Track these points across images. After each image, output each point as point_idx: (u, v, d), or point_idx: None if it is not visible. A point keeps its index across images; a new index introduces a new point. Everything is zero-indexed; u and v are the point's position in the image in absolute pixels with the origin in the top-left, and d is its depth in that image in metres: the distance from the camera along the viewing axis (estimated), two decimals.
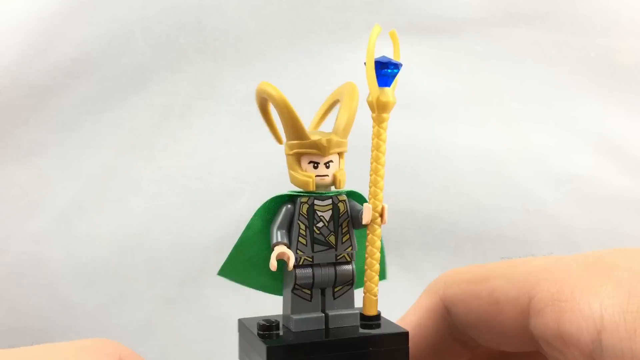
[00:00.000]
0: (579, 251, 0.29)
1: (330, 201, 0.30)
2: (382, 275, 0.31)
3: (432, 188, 0.58)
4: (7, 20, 0.56)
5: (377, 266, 0.29)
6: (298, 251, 0.30)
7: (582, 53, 0.58)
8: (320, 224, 0.30)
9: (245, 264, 0.31)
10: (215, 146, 0.58)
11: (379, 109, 0.28)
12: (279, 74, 0.58)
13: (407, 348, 0.29)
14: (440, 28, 0.58)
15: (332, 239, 0.30)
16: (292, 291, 0.30)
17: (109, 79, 0.58)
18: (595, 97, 0.59)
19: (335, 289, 0.30)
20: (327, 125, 0.32)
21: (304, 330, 0.29)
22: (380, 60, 0.28)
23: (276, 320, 0.29)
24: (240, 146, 0.58)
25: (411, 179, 0.58)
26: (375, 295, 0.29)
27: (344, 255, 0.30)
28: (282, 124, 0.30)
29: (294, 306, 0.30)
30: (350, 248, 0.30)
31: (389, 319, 0.31)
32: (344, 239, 0.30)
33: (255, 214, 0.30)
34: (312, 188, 0.29)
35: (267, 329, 0.28)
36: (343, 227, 0.30)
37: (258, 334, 0.29)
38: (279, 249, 0.28)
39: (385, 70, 0.28)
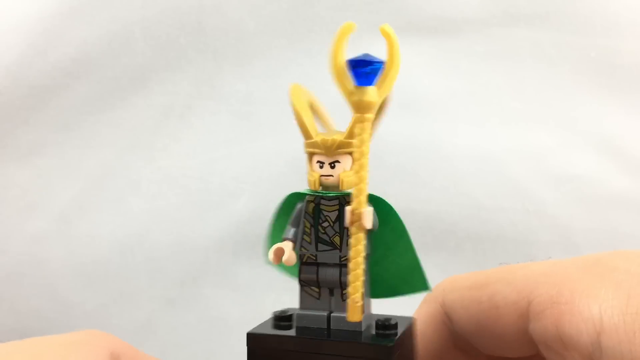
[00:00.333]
0: (579, 251, 0.29)
1: (337, 202, 0.30)
2: (424, 286, 0.31)
3: (432, 188, 0.58)
4: (7, 20, 0.56)
5: (358, 270, 0.27)
6: (302, 248, 0.30)
7: (582, 53, 0.58)
8: (325, 224, 0.30)
9: None
10: (215, 146, 0.58)
11: (357, 109, 0.27)
12: (279, 74, 0.58)
13: None
14: (440, 28, 0.58)
15: (336, 239, 0.30)
16: (300, 287, 0.30)
17: (109, 79, 0.58)
18: (595, 97, 0.59)
19: (344, 291, 0.30)
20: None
21: (306, 326, 0.30)
22: (354, 59, 0.26)
23: (291, 313, 0.30)
24: (240, 146, 0.58)
25: (411, 179, 0.58)
26: (356, 302, 0.27)
27: (348, 258, 0.30)
28: None
29: (302, 301, 0.30)
30: None
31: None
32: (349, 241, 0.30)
33: (278, 208, 0.31)
34: (315, 187, 0.29)
35: (279, 319, 0.30)
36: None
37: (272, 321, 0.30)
38: (278, 244, 0.29)
39: (361, 70, 0.26)
